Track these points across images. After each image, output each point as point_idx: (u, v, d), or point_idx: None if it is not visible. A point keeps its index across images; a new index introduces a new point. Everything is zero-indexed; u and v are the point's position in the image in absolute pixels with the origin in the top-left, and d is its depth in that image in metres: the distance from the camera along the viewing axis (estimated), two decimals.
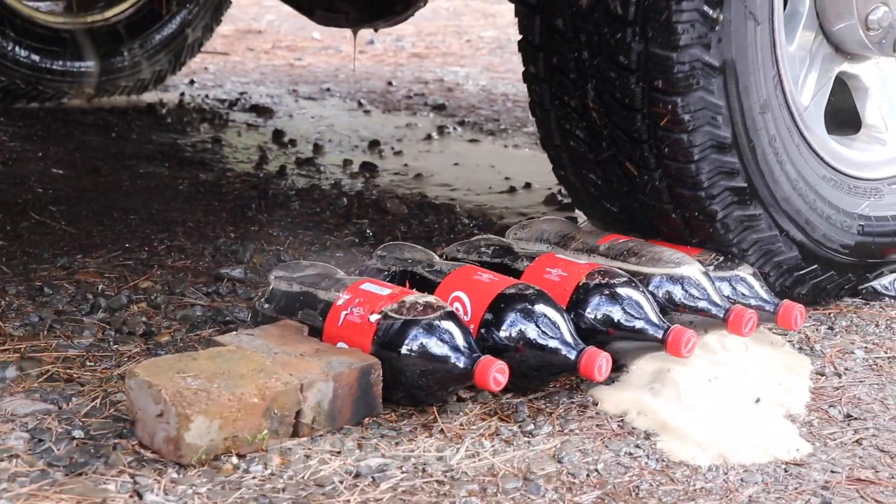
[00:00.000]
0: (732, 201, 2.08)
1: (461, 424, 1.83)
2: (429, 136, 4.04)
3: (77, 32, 4.05)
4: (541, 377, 1.89)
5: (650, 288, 1.99)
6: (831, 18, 2.22)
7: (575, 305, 1.94)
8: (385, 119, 4.36)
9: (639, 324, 1.91)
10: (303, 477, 1.66)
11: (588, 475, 1.69)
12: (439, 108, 4.55)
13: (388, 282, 1.99)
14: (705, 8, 1.96)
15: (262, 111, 4.34)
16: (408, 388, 1.82)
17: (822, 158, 2.19)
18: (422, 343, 1.79)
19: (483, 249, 2.15)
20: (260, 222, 2.87)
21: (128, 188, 3.17)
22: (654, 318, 1.91)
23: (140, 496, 1.58)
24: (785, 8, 2.18)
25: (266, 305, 2.01)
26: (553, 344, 1.83)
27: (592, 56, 2.04)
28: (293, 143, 3.83)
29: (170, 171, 3.38)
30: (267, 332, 1.89)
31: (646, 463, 1.73)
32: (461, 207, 3.06)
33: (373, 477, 1.67)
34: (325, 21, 3.62)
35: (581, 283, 1.95)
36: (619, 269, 2.00)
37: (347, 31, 6.20)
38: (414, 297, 1.85)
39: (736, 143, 2.04)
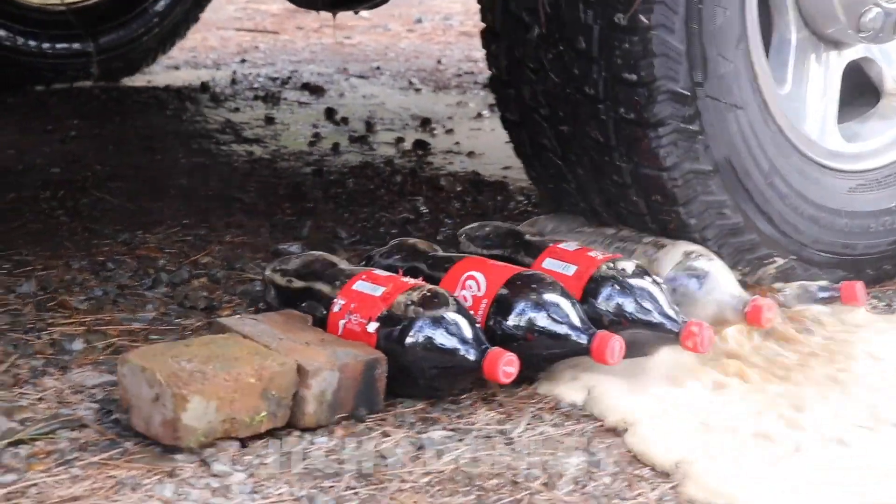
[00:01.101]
0: None
1: (521, 398, 1.85)
2: (479, 115, 4.05)
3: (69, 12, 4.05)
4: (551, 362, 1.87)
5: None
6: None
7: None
8: (436, 97, 4.37)
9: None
10: (367, 449, 1.69)
11: None
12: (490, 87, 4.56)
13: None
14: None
15: (314, 89, 4.36)
16: (417, 384, 1.81)
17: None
18: (425, 343, 1.77)
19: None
20: (315, 199, 2.90)
21: (184, 165, 3.21)
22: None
23: (208, 465, 1.61)
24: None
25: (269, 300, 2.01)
26: (563, 329, 1.81)
27: None
28: (345, 120, 3.85)
29: (225, 149, 3.41)
30: (271, 319, 1.86)
31: None
32: (514, 186, 3.07)
33: (435, 449, 1.69)
34: (299, 2, 3.64)
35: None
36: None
37: (396, 10, 6.24)
38: (406, 295, 1.81)
39: None
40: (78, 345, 1.98)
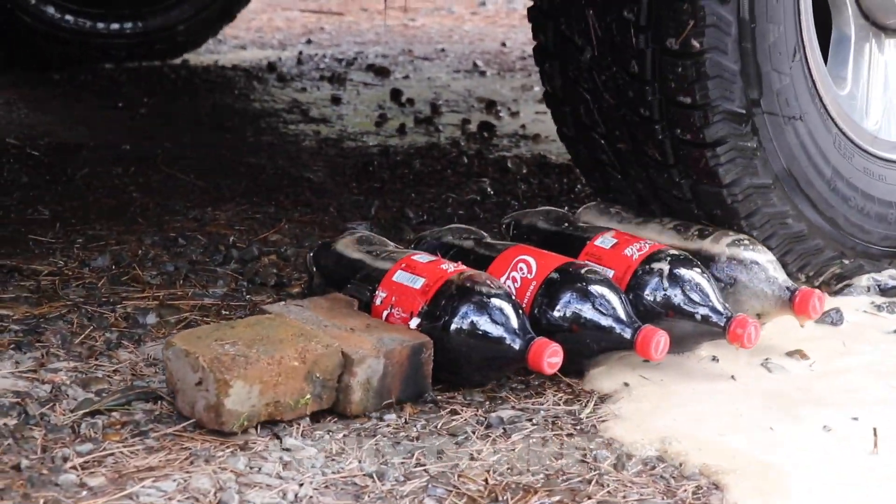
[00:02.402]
0: None
1: (589, 379, 1.85)
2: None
3: None
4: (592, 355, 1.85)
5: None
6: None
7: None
8: (500, 80, 4.37)
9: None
10: (435, 426, 1.70)
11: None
12: None
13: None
14: None
15: (379, 71, 4.38)
16: (462, 373, 1.79)
17: None
18: (469, 331, 1.75)
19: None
20: (382, 179, 2.91)
21: (252, 143, 3.24)
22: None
23: (280, 439, 1.64)
24: None
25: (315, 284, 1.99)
26: (607, 321, 1.79)
27: None
28: (411, 102, 3.86)
29: (293, 128, 3.43)
30: (316, 304, 1.84)
31: None
32: None
33: (504, 428, 1.70)
34: None
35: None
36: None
37: None
38: (446, 287, 1.79)
39: None
40: (151, 319, 2.01)
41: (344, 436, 1.66)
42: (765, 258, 1.94)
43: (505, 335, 1.74)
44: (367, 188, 2.83)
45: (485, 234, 2.03)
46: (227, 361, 1.61)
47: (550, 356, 1.71)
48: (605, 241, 1.95)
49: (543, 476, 1.58)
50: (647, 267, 1.88)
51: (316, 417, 1.69)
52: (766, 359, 1.93)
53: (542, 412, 1.75)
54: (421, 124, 3.55)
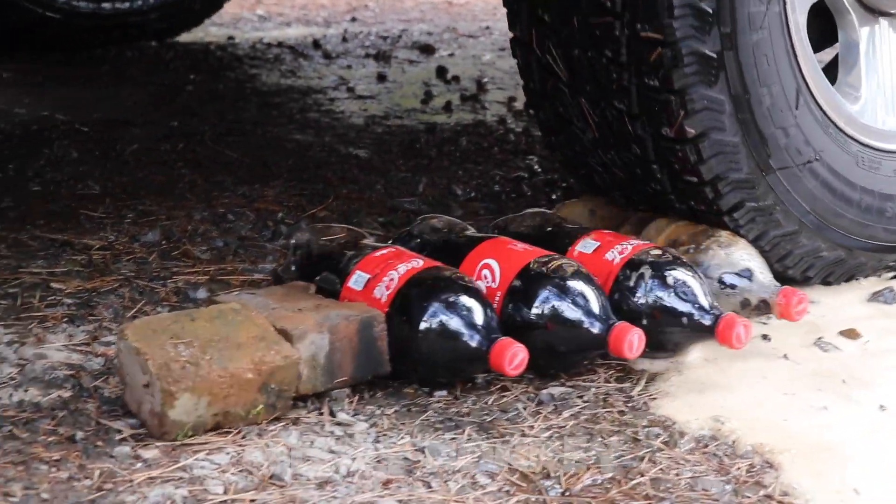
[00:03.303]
0: None
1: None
2: None
3: None
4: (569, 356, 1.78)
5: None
6: None
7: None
8: None
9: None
10: (486, 402, 1.70)
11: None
12: None
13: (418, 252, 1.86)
14: None
15: (424, 48, 4.37)
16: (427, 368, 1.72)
17: None
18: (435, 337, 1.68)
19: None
20: (429, 156, 2.91)
21: (299, 120, 3.24)
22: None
23: (333, 414, 1.64)
24: None
25: (290, 270, 1.92)
26: (579, 317, 1.71)
27: None
28: (456, 79, 3.85)
29: (339, 105, 3.43)
30: (270, 292, 1.78)
31: None
32: None
33: (555, 405, 1.70)
34: None
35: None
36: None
37: None
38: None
39: None
40: (202, 293, 2.01)
41: (395, 411, 1.66)
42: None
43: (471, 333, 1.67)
44: (413, 165, 2.83)
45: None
46: (177, 370, 1.52)
47: (513, 355, 1.64)
48: (586, 246, 1.87)
49: (595, 453, 1.58)
50: (628, 272, 1.79)
51: (362, 393, 1.69)
52: (819, 338, 1.91)
53: (592, 389, 1.75)
54: (467, 102, 3.54)
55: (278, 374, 1.59)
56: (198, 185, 2.61)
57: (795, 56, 1.91)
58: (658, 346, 1.79)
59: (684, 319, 1.76)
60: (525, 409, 1.69)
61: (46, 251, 2.19)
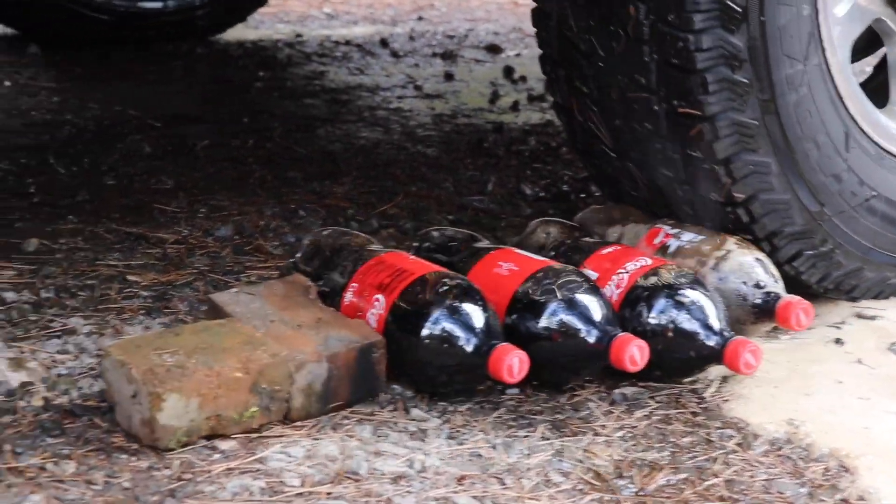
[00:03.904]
0: None
1: None
2: None
3: None
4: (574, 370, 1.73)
5: None
6: None
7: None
8: None
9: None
10: (558, 401, 1.70)
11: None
12: None
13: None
14: None
15: (491, 48, 4.37)
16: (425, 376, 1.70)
17: None
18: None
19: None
20: (497, 155, 2.91)
21: (368, 118, 3.26)
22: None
23: (406, 410, 1.65)
24: None
25: (301, 266, 1.90)
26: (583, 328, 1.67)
27: None
28: (523, 79, 3.86)
29: (407, 103, 3.45)
30: (271, 291, 1.77)
31: None
32: None
33: (627, 405, 1.70)
34: None
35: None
36: None
37: None
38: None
39: None
40: None
41: (468, 408, 1.67)
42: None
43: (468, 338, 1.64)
44: (482, 164, 2.84)
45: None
46: (162, 373, 1.51)
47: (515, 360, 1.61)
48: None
49: (669, 453, 1.58)
50: (628, 309, 1.74)
51: (438, 392, 1.70)
52: (893, 343, 1.89)
53: (664, 390, 1.74)
54: (534, 101, 3.55)
55: (268, 372, 1.56)
56: (268, 181, 2.63)
57: (841, 99, 1.87)
58: (667, 374, 1.76)
59: (692, 352, 1.72)
60: (597, 408, 1.69)
61: (122, 244, 2.22)
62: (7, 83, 3.47)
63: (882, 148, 1.94)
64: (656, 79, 1.81)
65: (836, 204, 1.89)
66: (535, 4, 1.99)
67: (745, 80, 1.78)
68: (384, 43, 4.34)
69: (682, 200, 1.91)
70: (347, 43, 4.31)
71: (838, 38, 1.87)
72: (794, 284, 1.91)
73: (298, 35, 4.39)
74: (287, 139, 2.99)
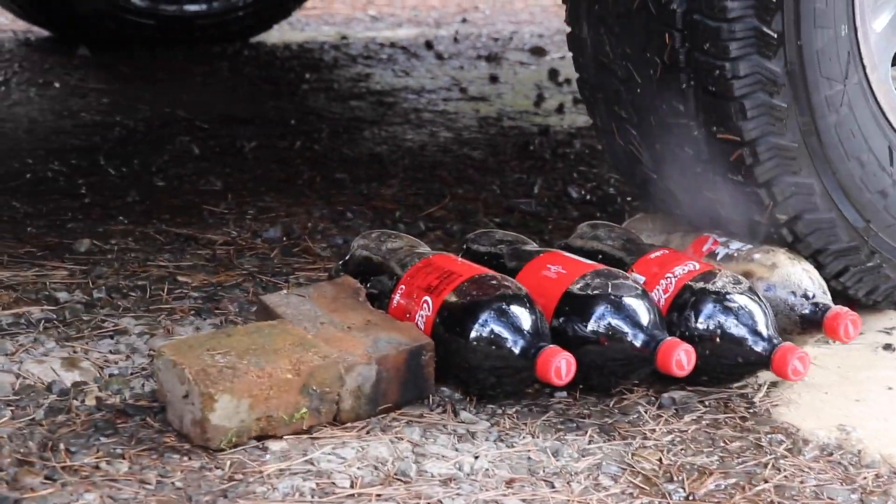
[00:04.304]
0: None
1: None
2: None
3: None
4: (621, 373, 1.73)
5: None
6: None
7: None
8: None
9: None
10: (606, 405, 1.71)
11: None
12: None
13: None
14: None
15: (535, 50, 4.37)
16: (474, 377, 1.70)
17: None
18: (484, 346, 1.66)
19: None
20: (543, 158, 2.92)
21: (414, 120, 3.27)
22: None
23: (455, 412, 1.66)
24: None
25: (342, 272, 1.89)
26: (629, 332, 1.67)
27: None
28: (568, 82, 3.85)
29: (453, 106, 3.45)
30: (320, 293, 1.78)
31: None
32: None
33: (676, 409, 1.70)
34: None
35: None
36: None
37: None
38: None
39: None
40: None
41: (516, 411, 1.68)
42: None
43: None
44: (528, 167, 2.84)
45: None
46: (214, 374, 1.52)
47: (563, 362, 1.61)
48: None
49: (718, 458, 1.57)
50: (675, 313, 1.74)
51: (486, 395, 1.70)
52: None
53: (713, 394, 1.74)
54: (579, 104, 3.54)
55: (318, 374, 1.57)
56: (316, 183, 2.65)
57: (884, 114, 1.85)
58: (714, 380, 1.75)
59: (739, 358, 1.72)
60: (646, 412, 1.69)
61: (172, 245, 2.24)
62: (57, 84, 3.50)
63: None
64: (694, 105, 1.80)
65: (882, 219, 1.88)
66: (569, 30, 1.99)
67: (784, 105, 1.76)
68: (429, 45, 4.34)
69: (726, 221, 1.91)
70: (392, 45, 4.32)
71: (878, 53, 1.86)
72: (841, 297, 1.90)
73: (343, 37, 4.40)
74: (334, 141, 3.00)
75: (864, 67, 1.81)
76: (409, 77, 3.82)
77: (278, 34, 4.38)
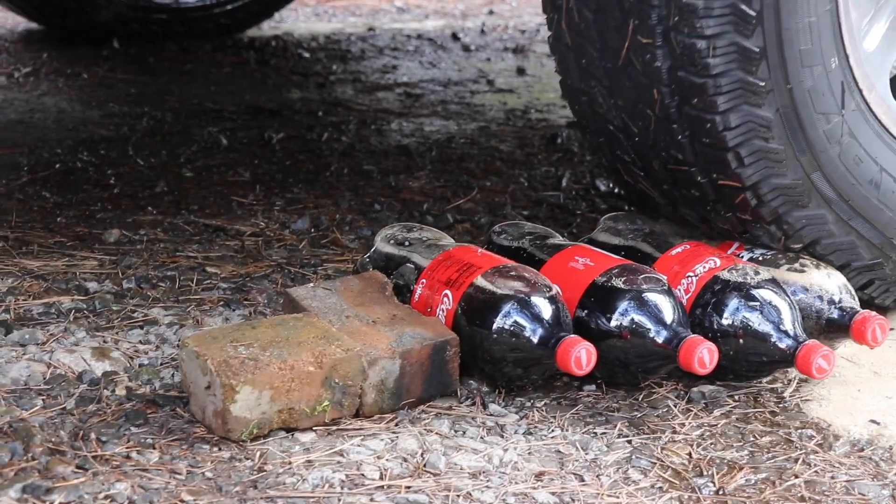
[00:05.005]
0: None
1: None
2: None
3: None
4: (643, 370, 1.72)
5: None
6: None
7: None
8: None
9: None
10: (636, 398, 1.70)
11: None
12: None
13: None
14: None
15: None
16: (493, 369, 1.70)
17: None
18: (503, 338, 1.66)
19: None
20: (571, 151, 2.91)
21: (441, 112, 3.26)
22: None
23: (484, 405, 1.66)
24: None
25: (368, 265, 1.89)
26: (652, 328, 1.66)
27: None
28: None
29: (479, 98, 3.45)
30: (347, 286, 1.77)
31: None
32: None
33: (705, 403, 1.69)
34: None
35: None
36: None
37: None
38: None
39: None
40: None
41: (545, 404, 1.67)
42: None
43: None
44: (556, 159, 2.83)
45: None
46: (236, 365, 1.53)
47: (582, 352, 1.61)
48: None
49: (748, 453, 1.57)
50: (699, 309, 1.73)
51: (511, 386, 1.70)
52: None
53: (743, 389, 1.73)
54: None
55: (340, 367, 1.57)
56: (344, 174, 2.65)
57: (888, 131, 1.82)
58: (739, 376, 1.75)
59: (764, 356, 1.70)
60: (675, 406, 1.68)
61: (201, 236, 2.25)
62: (85, 75, 3.51)
63: None
64: (692, 154, 1.78)
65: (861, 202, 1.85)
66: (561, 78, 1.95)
67: (781, 147, 1.74)
68: (455, 37, 4.34)
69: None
70: (419, 37, 4.32)
71: (874, 71, 1.83)
72: (867, 305, 1.88)
73: (370, 28, 4.40)
74: (361, 132, 3.00)
75: (860, 91, 1.79)
76: (436, 69, 3.82)
77: (305, 25, 4.38)
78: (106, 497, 1.39)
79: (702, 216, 1.87)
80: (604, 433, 1.61)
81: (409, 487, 1.46)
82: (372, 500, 1.43)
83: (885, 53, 1.86)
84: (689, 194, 1.85)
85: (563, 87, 1.96)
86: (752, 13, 1.66)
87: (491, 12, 4.97)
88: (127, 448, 1.50)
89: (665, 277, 1.73)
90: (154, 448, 1.50)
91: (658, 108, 1.77)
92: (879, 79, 1.84)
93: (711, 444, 1.59)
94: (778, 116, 1.73)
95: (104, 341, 1.80)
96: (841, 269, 1.83)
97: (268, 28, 4.29)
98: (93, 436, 1.52)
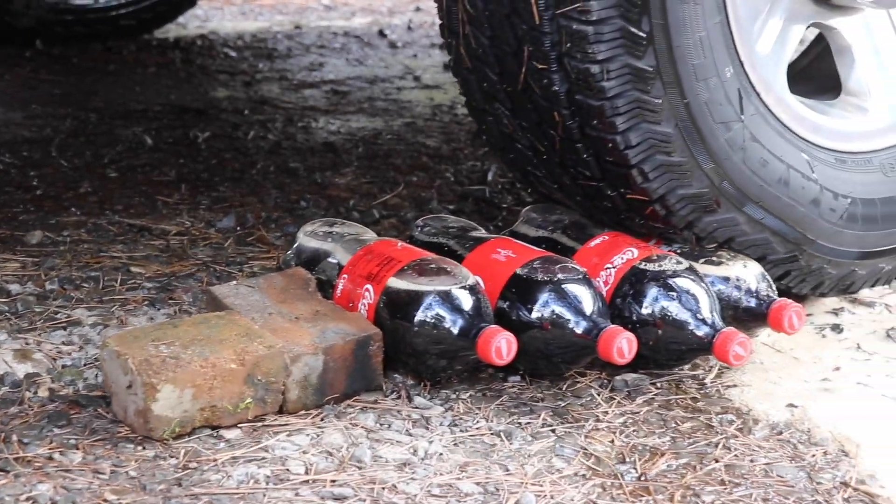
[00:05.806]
0: None
1: None
2: None
3: None
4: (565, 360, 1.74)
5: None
6: None
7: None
8: None
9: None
10: (560, 388, 1.72)
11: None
12: None
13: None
14: None
15: None
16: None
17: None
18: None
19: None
20: None
21: (367, 109, 3.27)
22: None
23: (409, 398, 1.67)
24: None
25: (291, 262, 1.90)
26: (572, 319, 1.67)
27: None
28: None
29: (406, 94, 3.46)
30: (270, 283, 1.78)
31: None
32: None
33: (628, 391, 1.71)
34: None
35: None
36: None
37: None
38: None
39: None
40: None
41: (470, 395, 1.69)
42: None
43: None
44: (482, 154, 2.85)
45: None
46: (157, 364, 1.51)
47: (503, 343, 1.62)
48: None
49: (670, 439, 1.59)
50: (619, 299, 1.75)
51: (436, 379, 1.71)
52: (890, 329, 1.91)
53: (666, 376, 1.76)
54: None
55: (263, 364, 1.57)
56: (270, 172, 2.64)
57: (790, 129, 1.85)
58: (658, 365, 1.77)
59: (682, 344, 1.72)
60: (599, 395, 1.70)
61: (125, 236, 2.23)
62: (7, 77, 3.48)
63: (839, 151, 1.92)
64: (598, 171, 1.80)
65: (818, 228, 1.88)
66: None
67: (683, 160, 1.76)
68: (382, 34, 4.34)
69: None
70: (346, 34, 4.31)
71: (770, 74, 1.85)
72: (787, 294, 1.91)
73: (297, 26, 4.39)
74: (288, 130, 3.00)
75: (758, 95, 1.81)
76: (363, 66, 3.82)
77: (231, 23, 4.36)
78: (28, 499, 1.39)
79: (618, 222, 1.89)
80: (528, 423, 1.62)
81: (334, 481, 1.46)
82: (297, 494, 1.43)
83: (779, 53, 1.88)
84: (602, 206, 1.87)
85: (468, 107, 1.97)
86: (643, 34, 1.68)
87: (418, 9, 4.97)
88: (49, 449, 1.49)
89: (585, 270, 1.75)
90: (77, 448, 1.50)
91: (561, 130, 1.79)
92: (776, 79, 1.86)
93: (634, 431, 1.61)
94: (678, 130, 1.75)
95: (26, 343, 1.78)
96: (757, 261, 1.86)
97: (193, 27, 4.27)
98: (14, 437, 1.51)
